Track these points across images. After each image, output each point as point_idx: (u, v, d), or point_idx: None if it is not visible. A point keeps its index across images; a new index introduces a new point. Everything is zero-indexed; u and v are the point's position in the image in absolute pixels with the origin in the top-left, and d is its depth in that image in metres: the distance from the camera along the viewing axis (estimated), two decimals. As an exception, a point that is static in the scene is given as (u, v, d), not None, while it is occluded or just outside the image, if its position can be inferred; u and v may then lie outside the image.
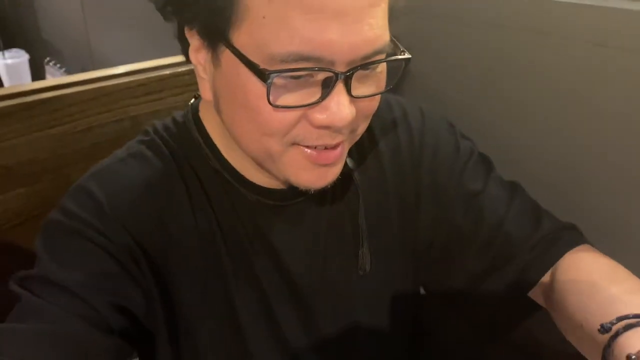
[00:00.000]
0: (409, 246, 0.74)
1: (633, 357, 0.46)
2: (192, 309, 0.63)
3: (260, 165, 0.60)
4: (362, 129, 0.59)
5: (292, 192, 0.65)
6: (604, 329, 0.50)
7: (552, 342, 0.74)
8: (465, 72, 0.83)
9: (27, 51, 2.92)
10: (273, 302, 0.66)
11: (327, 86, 0.51)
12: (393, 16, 0.54)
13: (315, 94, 0.52)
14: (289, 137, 0.54)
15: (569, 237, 0.67)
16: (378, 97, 0.57)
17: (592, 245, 0.67)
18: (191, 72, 0.91)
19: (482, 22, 0.77)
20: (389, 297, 0.73)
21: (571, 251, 0.65)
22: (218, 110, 0.59)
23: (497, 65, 0.78)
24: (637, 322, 0.49)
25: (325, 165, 0.56)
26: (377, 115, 0.61)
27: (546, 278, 0.66)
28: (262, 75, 0.49)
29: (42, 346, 0.51)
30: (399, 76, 0.56)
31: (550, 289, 0.64)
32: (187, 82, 0.92)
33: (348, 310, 0.71)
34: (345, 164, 0.63)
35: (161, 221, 0.61)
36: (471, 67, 0.82)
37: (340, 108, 0.51)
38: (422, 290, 0.81)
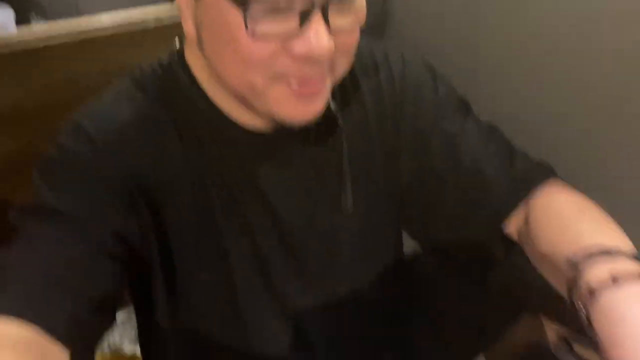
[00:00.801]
0: (393, 190, 0.74)
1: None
2: (184, 258, 0.65)
3: (244, 102, 0.60)
4: (343, 67, 0.59)
5: (279, 133, 0.65)
6: (570, 263, 0.53)
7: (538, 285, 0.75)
8: (449, 22, 0.83)
9: (11, 6, 2.85)
10: (263, 245, 0.67)
11: (305, 17, 0.52)
12: None
13: (294, 24, 0.52)
14: (271, 71, 0.54)
15: (541, 172, 0.69)
16: (357, 31, 0.58)
17: (565, 182, 0.69)
18: (178, 25, 0.90)
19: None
20: (373, 238, 0.75)
21: (544, 187, 0.67)
22: (201, 48, 0.59)
23: (481, 13, 0.78)
24: (600, 255, 0.52)
25: (309, 96, 0.57)
26: (359, 59, 0.61)
27: (519, 214, 0.68)
28: (241, 3, 0.50)
29: (45, 271, 0.52)
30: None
31: (523, 224, 0.67)
32: (172, 33, 0.91)
33: (335, 252, 0.72)
34: (329, 107, 0.63)
35: (154, 163, 0.62)
36: (456, 16, 0.82)
37: (319, 38, 0.52)
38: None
